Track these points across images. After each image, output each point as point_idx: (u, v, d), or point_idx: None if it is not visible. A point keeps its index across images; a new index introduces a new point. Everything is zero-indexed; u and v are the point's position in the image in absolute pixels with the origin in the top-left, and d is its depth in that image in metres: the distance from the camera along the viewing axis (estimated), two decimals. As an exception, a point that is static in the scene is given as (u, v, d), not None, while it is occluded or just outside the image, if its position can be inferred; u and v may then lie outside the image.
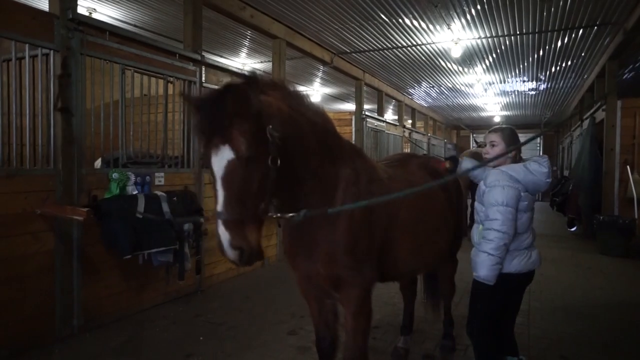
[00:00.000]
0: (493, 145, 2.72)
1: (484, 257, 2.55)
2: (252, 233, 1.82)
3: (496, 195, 2.55)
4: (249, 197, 1.82)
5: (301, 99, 2.26)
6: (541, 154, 18.18)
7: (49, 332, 3.75)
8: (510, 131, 2.74)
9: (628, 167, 8.03)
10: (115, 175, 4.21)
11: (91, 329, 4.01)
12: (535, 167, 2.61)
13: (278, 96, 2.10)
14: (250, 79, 1.87)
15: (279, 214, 2.01)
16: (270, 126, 1.88)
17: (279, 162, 1.88)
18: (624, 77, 11.33)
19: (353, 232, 2.33)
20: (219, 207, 1.80)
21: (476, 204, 2.82)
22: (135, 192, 4.36)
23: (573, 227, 10.23)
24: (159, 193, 4.53)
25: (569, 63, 10.52)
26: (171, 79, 5.07)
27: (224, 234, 1.77)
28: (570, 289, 5.58)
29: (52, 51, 3.75)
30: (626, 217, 7.77)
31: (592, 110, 10.02)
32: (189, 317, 4.51)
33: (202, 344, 3.85)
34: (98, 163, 4.72)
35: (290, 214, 2.04)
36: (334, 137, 2.43)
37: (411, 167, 3.24)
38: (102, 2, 7.07)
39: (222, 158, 1.79)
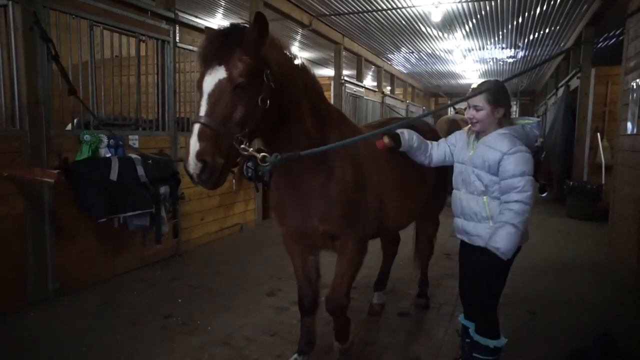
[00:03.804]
0: (477, 110, 2.39)
1: (511, 230, 2.25)
2: (221, 153, 1.80)
3: (521, 163, 2.27)
4: (229, 120, 1.83)
5: (299, 63, 2.31)
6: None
7: (21, 295, 3.69)
8: (496, 89, 2.40)
9: (598, 134, 8.25)
10: (86, 137, 4.07)
11: (67, 293, 3.97)
12: (529, 129, 2.47)
13: (282, 52, 2.17)
14: (262, 23, 1.89)
15: (253, 152, 1.90)
16: (268, 71, 1.94)
17: (268, 103, 1.91)
18: (600, 45, 11.47)
19: (347, 195, 2.42)
20: (200, 112, 1.82)
21: (464, 167, 2.52)
22: (108, 155, 4.24)
23: (544, 193, 10.56)
24: (134, 156, 4.42)
25: (547, 30, 10.57)
26: (143, 37, 4.85)
27: (194, 143, 1.76)
28: (539, 250, 5.80)
29: (10, 2, 3.50)
30: (594, 182, 8.05)
31: (566, 78, 10.16)
32: (167, 281, 4.52)
33: (180, 305, 3.88)
34: (70, 127, 4.55)
35: (262, 154, 1.98)
36: (323, 101, 2.49)
37: None
38: (66, -47, 6.64)
39: (215, 77, 1.84)
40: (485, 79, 2.51)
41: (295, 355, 2.83)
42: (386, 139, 2.68)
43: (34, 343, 3.16)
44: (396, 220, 2.97)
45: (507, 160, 2.29)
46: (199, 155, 1.74)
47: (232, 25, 1.94)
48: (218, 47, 1.86)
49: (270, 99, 1.93)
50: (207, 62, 1.88)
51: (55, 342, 3.17)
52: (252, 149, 1.88)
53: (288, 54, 2.23)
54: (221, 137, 1.80)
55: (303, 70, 2.32)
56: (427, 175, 3.17)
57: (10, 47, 3.58)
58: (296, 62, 2.28)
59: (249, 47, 1.87)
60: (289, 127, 2.20)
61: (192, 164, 1.74)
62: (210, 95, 1.84)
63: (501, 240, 2.26)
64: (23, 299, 3.71)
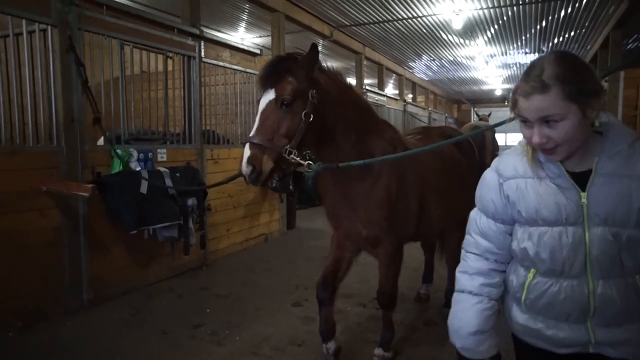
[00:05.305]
0: (554, 124, 1.20)
1: None
2: (268, 160, 2.20)
3: None
4: (277, 134, 2.23)
5: (347, 84, 2.69)
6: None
7: (59, 304, 3.83)
8: (576, 72, 1.20)
9: (629, 138, 8.00)
10: (118, 151, 4.23)
11: (100, 302, 4.09)
12: None
13: (332, 77, 2.55)
14: (314, 53, 2.29)
15: (300, 160, 2.28)
16: (314, 91, 2.29)
17: (311, 117, 2.27)
18: (628, 47, 11.18)
19: (390, 202, 2.67)
20: (252, 131, 2.25)
21: (571, 230, 1.28)
22: (138, 169, 4.38)
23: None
24: (162, 169, 4.56)
25: (572, 34, 10.38)
26: (170, 54, 5.02)
27: (246, 151, 2.20)
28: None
29: (49, 26, 3.70)
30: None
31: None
32: (195, 290, 4.61)
33: (209, 315, 3.95)
34: (101, 141, 4.72)
35: (307, 162, 2.35)
36: (371, 116, 2.84)
37: (432, 137, 3.59)
38: (97, -24, 6.93)
39: (266, 97, 2.25)
40: (539, 57, 1.30)
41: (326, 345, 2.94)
42: None
43: (71, 350, 3.27)
44: (438, 225, 3.19)
45: None
46: (249, 160, 2.18)
47: (287, 54, 2.36)
48: (271, 73, 2.25)
49: (314, 114, 2.27)
50: (262, 85, 2.27)
51: (91, 350, 3.27)
52: (299, 158, 2.27)
53: (339, 77, 2.61)
54: (269, 149, 2.20)
55: (351, 90, 2.69)
56: (469, 180, 3.29)
57: (48, 69, 3.77)
58: (346, 83, 2.65)
59: (297, 71, 2.25)
60: (336, 139, 2.52)
61: (244, 167, 2.19)
62: (261, 114, 2.24)
63: None
64: (60, 308, 3.85)
